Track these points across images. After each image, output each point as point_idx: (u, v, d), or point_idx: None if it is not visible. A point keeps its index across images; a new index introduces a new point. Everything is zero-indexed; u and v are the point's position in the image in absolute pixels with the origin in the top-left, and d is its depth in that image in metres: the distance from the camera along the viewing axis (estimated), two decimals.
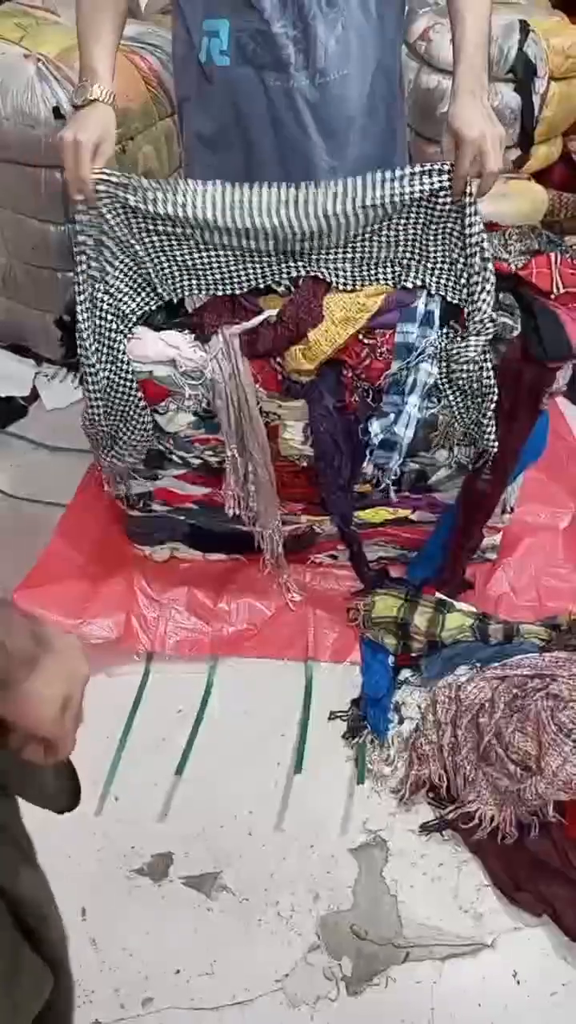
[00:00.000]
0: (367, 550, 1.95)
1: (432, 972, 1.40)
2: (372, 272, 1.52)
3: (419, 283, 1.51)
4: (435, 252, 1.48)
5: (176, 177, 2.54)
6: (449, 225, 1.43)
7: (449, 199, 1.39)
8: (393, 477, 1.66)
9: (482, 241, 1.41)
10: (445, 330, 1.52)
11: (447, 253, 1.47)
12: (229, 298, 1.58)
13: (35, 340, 2.60)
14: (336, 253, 1.50)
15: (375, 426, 1.59)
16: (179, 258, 1.51)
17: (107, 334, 1.54)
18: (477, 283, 1.44)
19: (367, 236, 1.47)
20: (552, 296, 1.52)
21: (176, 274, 1.54)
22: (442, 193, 1.39)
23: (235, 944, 1.45)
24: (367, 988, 1.39)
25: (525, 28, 2.30)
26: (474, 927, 1.46)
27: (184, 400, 1.63)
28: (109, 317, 1.53)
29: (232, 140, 1.62)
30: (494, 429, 1.56)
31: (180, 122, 1.76)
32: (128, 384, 1.57)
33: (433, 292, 1.51)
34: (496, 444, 1.58)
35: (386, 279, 1.52)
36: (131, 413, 1.61)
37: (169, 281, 1.55)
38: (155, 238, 1.49)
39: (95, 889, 1.51)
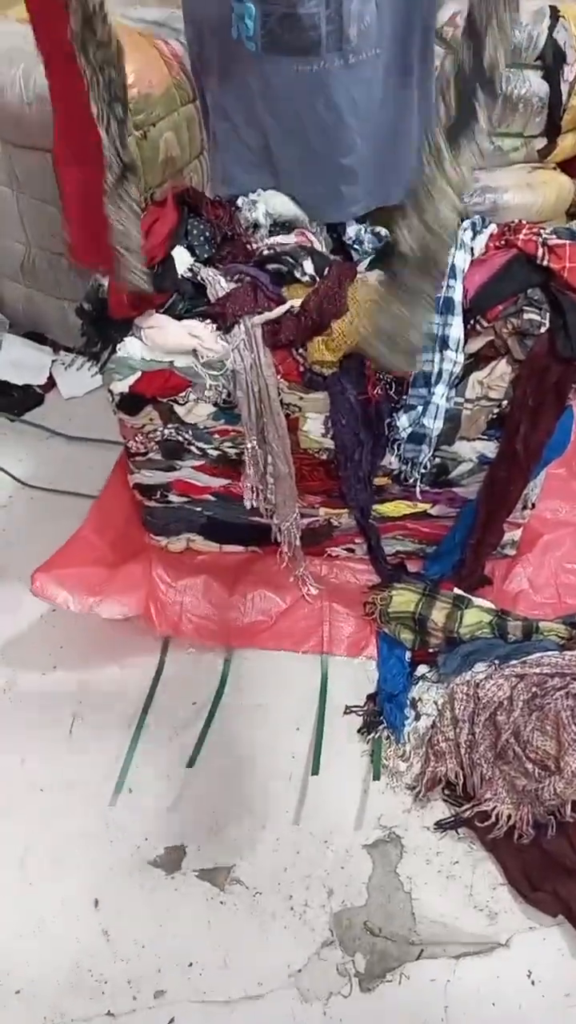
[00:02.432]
0: (384, 544, 1.93)
1: (446, 970, 1.39)
2: None
3: None
4: None
5: (199, 163, 2.53)
6: None
7: None
8: (423, 471, 1.63)
9: None
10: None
11: None
12: (252, 287, 1.56)
13: (53, 328, 2.59)
14: None
15: (403, 419, 1.57)
16: None
17: None
18: None
19: None
20: None
21: None
22: None
23: (248, 938, 1.44)
24: (380, 985, 1.38)
25: (555, 14, 2.25)
26: (489, 926, 1.45)
27: (204, 391, 1.62)
28: None
29: (258, 122, 1.60)
30: None
31: (202, 96, 1.73)
32: None
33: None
34: None
35: None
36: None
37: None
38: None
39: (108, 880, 1.51)
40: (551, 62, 2.29)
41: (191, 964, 1.41)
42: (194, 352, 1.56)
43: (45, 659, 1.84)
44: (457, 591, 1.83)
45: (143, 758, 1.67)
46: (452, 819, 1.55)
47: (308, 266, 1.57)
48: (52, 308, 2.51)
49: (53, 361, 2.59)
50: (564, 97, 2.37)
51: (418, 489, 1.70)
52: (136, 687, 1.79)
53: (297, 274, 1.56)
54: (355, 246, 1.69)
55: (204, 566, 1.97)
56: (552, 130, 2.45)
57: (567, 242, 1.53)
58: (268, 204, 1.69)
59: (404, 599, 1.82)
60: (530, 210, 2.53)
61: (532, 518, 1.92)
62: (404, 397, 1.60)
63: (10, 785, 1.64)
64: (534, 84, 2.33)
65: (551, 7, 2.28)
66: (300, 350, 1.57)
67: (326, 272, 1.56)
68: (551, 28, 2.26)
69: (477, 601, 1.81)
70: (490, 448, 1.68)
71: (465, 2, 1.17)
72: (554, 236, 1.55)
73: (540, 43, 2.26)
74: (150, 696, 1.77)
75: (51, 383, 2.55)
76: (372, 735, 1.67)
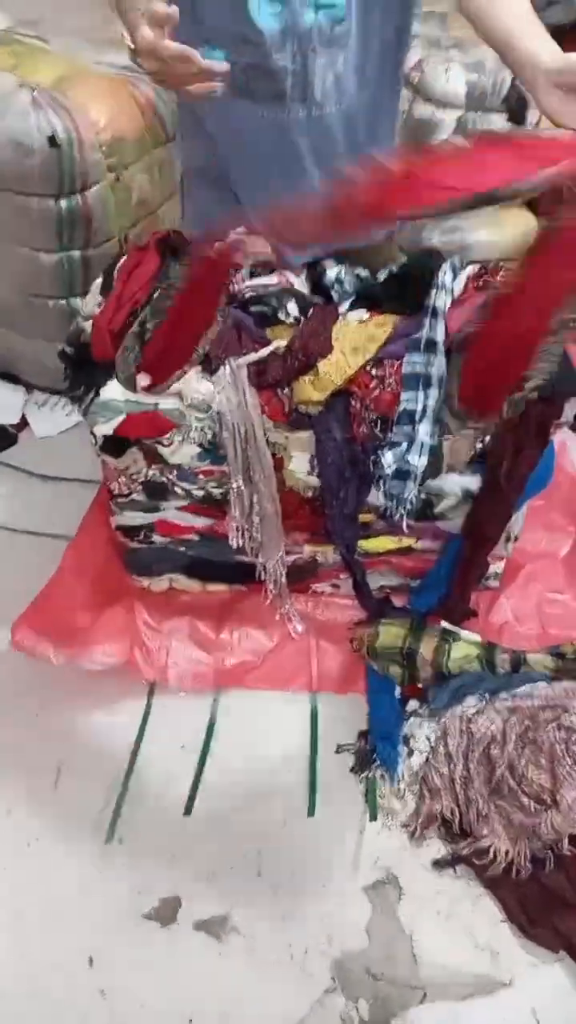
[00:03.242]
0: (369, 578, 1.93)
1: (450, 1013, 1.38)
2: None
3: None
4: None
5: (172, 203, 2.55)
6: None
7: None
8: (409, 507, 1.65)
9: None
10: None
11: None
12: (236, 329, 1.57)
13: (25, 368, 2.56)
14: None
15: (388, 456, 1.58)
16: None
17: None
18: None
19: None
20: None
21: None
22: None
23: (248, 989, 1.41)
24: None
25: None
26: (491, 965, 1.43)
27: (190, 432, 1.61)
28: None
29: (226, 170, 1.62)
30: None
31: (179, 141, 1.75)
32: None
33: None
34: None
35: None
36: None
37: None
38: None
39: (102, 936, 1.47)
40: (515, 105, 2.37)
41: (191, 1020, 1.37)
42: (180, 394, 1.57)
43: (26, 707, 1.80)
44: (444, 624, 1.83)
45: (133, 807, 1.63)
46: (449, 858, 1.54)
47: (292, 308, 1.58)
48: (25, 348, 2.49)
49: (26, 401, 2.56)
50: None
51: (404, 524, 1.71)
52: (122, 733, 1.75)
53: (281, 315, 1.58)
54: (335, 286, 1.71)
55: (188, 607, 1.95)
56: None
57: None
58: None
59: (391, 634, 1.82)
60: (497, 247, 2.60)
61: (513, 550, 1.94)
62: (389, 435, 1.61)
63: None
64: (499, 127, 2.41)
65: None
66: (286, 390, 1.58)
67: (310, 313, 1.58)
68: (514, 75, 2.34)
69: (464, 634, 1.82)
70: (474, 483, 1.69)
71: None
72: None
73: (505, 88, 2.34)
74: (138, 742, 1.73)
75: (24, 423, 2.53)
76: (366, 774, 1.66)
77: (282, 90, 1.41)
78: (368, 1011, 1.38)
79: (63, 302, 2.34)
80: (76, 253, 2.25)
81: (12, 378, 2.61)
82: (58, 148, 2.03)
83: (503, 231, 2.60)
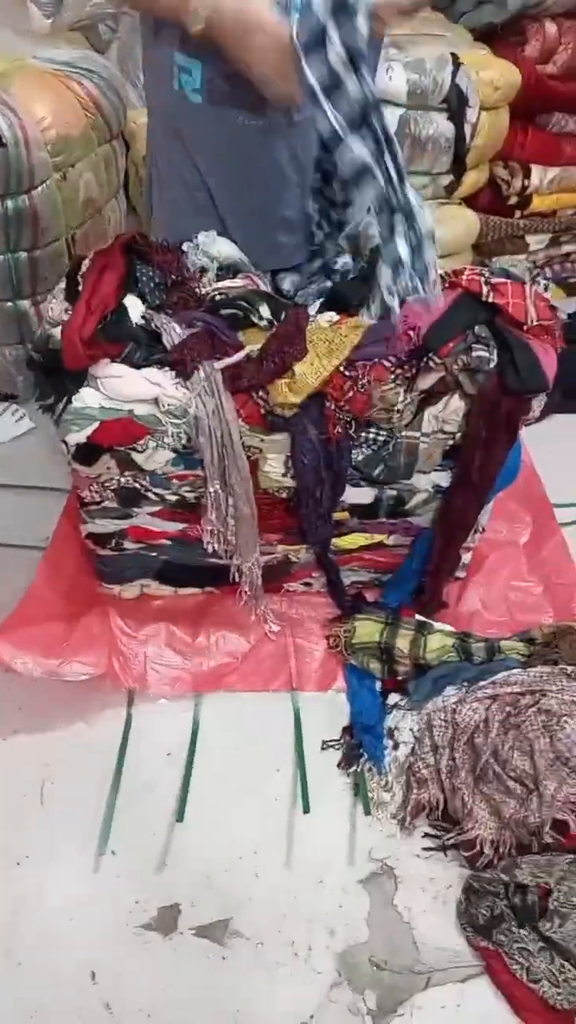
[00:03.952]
0: (342, 576, 1.96)
1: (455, 995, 1.42)
2: None
3: None
4: None
5: (116, 202, 2.51)
6: None
7: None
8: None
9: None
10: None
11: None
12: (208, 333, 1.56)
13: None
14: None
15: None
16: None
17: None
18: None
19: None
20: (525, 328, 1.57)
21: None
22: None
23: (256, 991, 1.42)
24: (393, 1020, 1.39)
25: (456, 60, 2.38)
26: None
27: (164, 438, 1.60)
28: None
29: (201, 176, 1.61)
30: None
31: (149, 144, 1.73)
32: None
33: None
34: None
35: None
36: None
37: None
38: None
39: (102, 950, 1.46)
40: (455, 105, 2.42)
41: None
42: (155, 400, 1.55)
43: (3, 723, 1.76)
44: (418, 617, 1.87)
45: (122, 817, 1.61)
46: (439, 847, 1.59)
47: (264, 311, 1.58)
48: None
49: None
50: (468, 137, 2.51)
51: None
52: (105, 742, 1.73)
53: (254, 319, 1.58)
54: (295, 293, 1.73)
55: (163, 612, 1.94)
56: (458, 168, 2.59)
57: (508, 281, 1.62)
58: (214, 249, 1.70)
59: (367, 630, 1.86)
60: (440, 244, 2.64)
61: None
62: (363, 434, 1.64)
63: None
64: (441, 125, 2.46)
65: (452, 54, 2.41)
66: (261, 393, 1.58)
67: (283, 316, 1.59)
68: (453, 74, 2.39)
69: (438, 626, 1.86)
70: (445, 478, 1.74)
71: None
72: (492, 276, 1.64)
73: (445, 87, 2.38)
74: (122, 751, 1.72)
75: None
76: (353, 768, 1.68)
77: (262, 96, 1.40)
78: (375, 1001, 1.41)
79: (9, 304, 2.28)
80: (23, 254, 2.19)
81: None
82: (4, 147, 1.98)
83: (443, 227, 2.65)
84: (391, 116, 2.53)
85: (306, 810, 1.60)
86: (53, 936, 1.47)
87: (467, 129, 2.47)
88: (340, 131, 1.31)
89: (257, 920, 1.50)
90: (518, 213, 2.92)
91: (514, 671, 1.72)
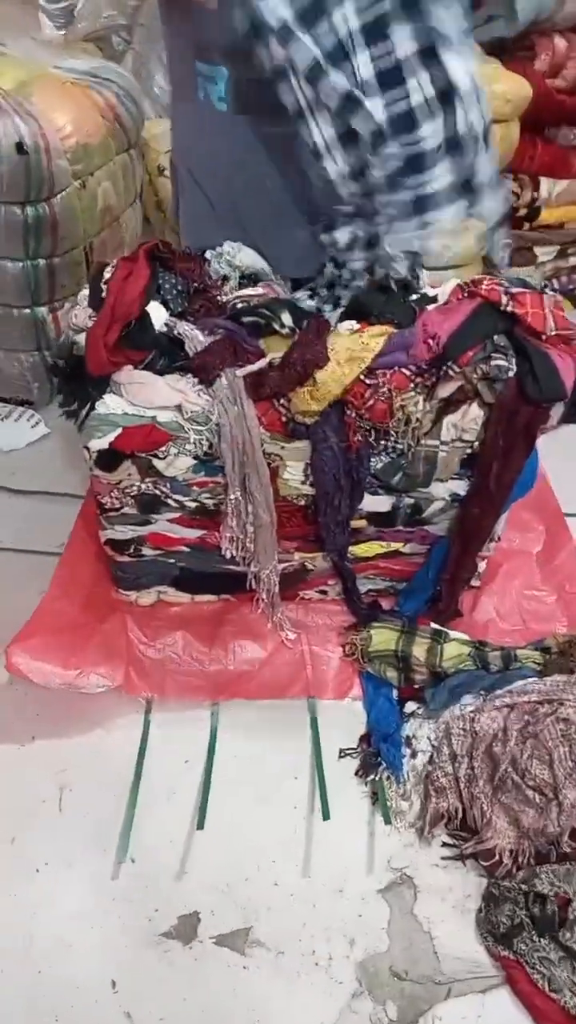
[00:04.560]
0: (357, 584, 1.96)
1: (476, 1006, 1.41)
2: None
3: None
4: None
5: (133, 210, 2.53)
6: None
7: None
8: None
9: None
10: None
11: None
12: (230, 340, 1.57)
13: None
14: None
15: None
16: None
17: None
18: None
19: None
20: (543, 337, 1.58)
21: None
22: None
23: (276, 1000, 1.41)
24: None
25: None
26: None
27: (186, 444, 1.60)
28: None
29: (223, 178, 1.62)
30: None
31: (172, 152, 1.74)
32: None
33: None
34: None
35: None
36: None
37: None
38: None
39: (122, 959, 1.45)
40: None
41: None
42: (178, 407, 1.55)
43: (21, 730, 1.75)
44: (434, 625, 1.88)
45: (141, 824, 1.61)
46: (457, 856, 1.58)
47: (287, 318, 1.59)
48: None
49: None
50: None
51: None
52: (123, 750, 1.73)
53: (276, 326, 1.58)
54: (320, 297, 1.74)
55: (179, 620, 1.93)
56: None
57: (527, 291, 1.63)
58: (236, 257, 1.71)
59: (384, 638, 1.86)
60: (453, 255, 2.67)
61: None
62: (382, 442, 1.64)
63: (2, 869, 1.55)
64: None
65: None
66: (283, 401, 1.58)
67: (304, 324, 1.59)
68: None
69: (454, 634, 1.86)
70: (462, 487, 1.74)
71: None
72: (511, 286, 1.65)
73: None
74: (140, 758, 1.71)
75: None
76: (372, 777, 1.68)
77: (284, 106, 1.41)
78: (396, 1012, 1.40)
79: (27, 310, 2.29)
80: (41, 261, 2.20)
81: None
82: (26, 155, 1.99)
83: (456, 237, 2.66)
84: None
85: (326, 817, 1.60)
86: (72, 944, 1.47)
87: None
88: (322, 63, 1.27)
89: (277, 929, 1.49)
90: (527, 225, 2.94)
91: (531, 680, 1.72)
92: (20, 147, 1.97)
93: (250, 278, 1.73)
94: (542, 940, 1.42)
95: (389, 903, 1.53)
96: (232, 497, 1.66)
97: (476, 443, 1.66)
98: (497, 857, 1.55)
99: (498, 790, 1.59)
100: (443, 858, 1.59)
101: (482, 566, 1.98)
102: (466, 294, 1.65)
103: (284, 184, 1.59)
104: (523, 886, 1.49)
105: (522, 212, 2.87)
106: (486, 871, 1.55)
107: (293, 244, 1.70)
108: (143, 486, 1.70)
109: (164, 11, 1.57)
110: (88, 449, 1.61)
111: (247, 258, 1.72)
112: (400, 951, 1.47)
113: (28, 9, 3.07)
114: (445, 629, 1.88)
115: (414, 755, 1.69)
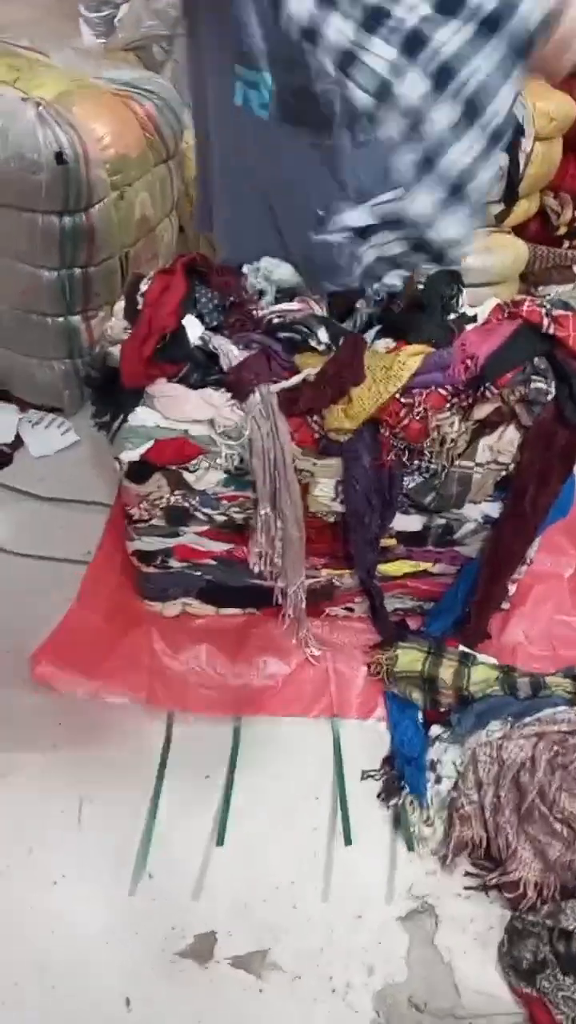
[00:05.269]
0: (384, 602, 1.94)
1: None
2: None
3: None
4: None
5: (169, 221, 2.53)
6: None
7: None
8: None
9: None
10: None
11: None
12: (264, 355, 1.56)
13: (18, 385, 2.50)
14: None
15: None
16: None
17: None
18: None
19: None
20: None
21: None
22: None
23: None
24: None
25: None
26: None
27: (217, 458, 1.60)
28: None
29: (264, 190, 1.61)
30: None
31: (199, 151, 1.73)
32: None
33: None
34: None
35: None
36: None
37: None
38: None
39: (137, 977, 1.43)
40: (510, 134, 2.41)
41: None
42: (211, 421, 1.55)
43: (42, 739, 1.75)
44: (462, 648, 1.85)
45: (160, 839, 1.59)
46: (480, 886, 1.55)
47: (323, 335, 1.58)
48: (18, 365, 2.43)
49: (20, 419, 2.50)
50: (521, 166, 2.50)
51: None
52: (144, 763, 1.72)
53: (312, 343, 1.57)
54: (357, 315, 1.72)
55: (204, 632, 1.92)
56: (510, 197, 2.58)
57: (570, 313, 1.60)
58: (274, 272, 1.70)
59: (410, 658, 1.83)
60: (489, 272, 2.65)
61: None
62: (416, 461, 1.62)
63: (19, 880, 1.54)
64: None
65: None
66: (316, 417, 1.57)
67: (341, 341, 1.58)
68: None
69: (482, 658, 1.84)
70: (495, 509, 1.72)
71: None
72: (553, 308, 1.62)
73: None
74: (160, 772, 1.70)
75: (19, 442, 2.46)
76: (395, 801, 1.65)
77: (330, 115, 1.40)
78: None
79: (60, 319, 2.30)
80: (77, 271, 2.21)
81: (4, 395, 2.54)
82: (65, 164, 2.00)
83: (493, 255, 2.65)
84: None
85: (348, 842, 1.57)
86: (87, 960, 1.46)
87: (521, 158, 2.47)
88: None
89: (294, 953, 1.47)
90: (566, 243, 2.92)
91: (560, 708, 1.69)
92: (60, 157, 1.98)
93: (287, 293, 1.72)
94: (567, 979, 1.39)
95: (409, 932, 1.50)
96: (262, 512, 1.65)
97: (511, 465, 1.64)
98: (521, 890, 1.51)
99: (524, 821, 1.56)
100: (466, 888, 1.56)
101: (512, 588, 1.95)
102: (506, 315, 1.63)
103: (322, 196, 1.58)
104: (548, 921, 1.46)
105: (562, 231, 2.85)
106: (509, 903, 1.52)
107: (327, 257, 1.69)
108: (172, 498, 1.69)
109: (192, 13, 1.55)
110: (119, 460, 1.60)
111: (284, 273, 1.70)
112: (419, 982, 1.44)
113: (68, 19, 3.11)
114: (473, 652, 1.85)
115: (438, 780, 1.66)
